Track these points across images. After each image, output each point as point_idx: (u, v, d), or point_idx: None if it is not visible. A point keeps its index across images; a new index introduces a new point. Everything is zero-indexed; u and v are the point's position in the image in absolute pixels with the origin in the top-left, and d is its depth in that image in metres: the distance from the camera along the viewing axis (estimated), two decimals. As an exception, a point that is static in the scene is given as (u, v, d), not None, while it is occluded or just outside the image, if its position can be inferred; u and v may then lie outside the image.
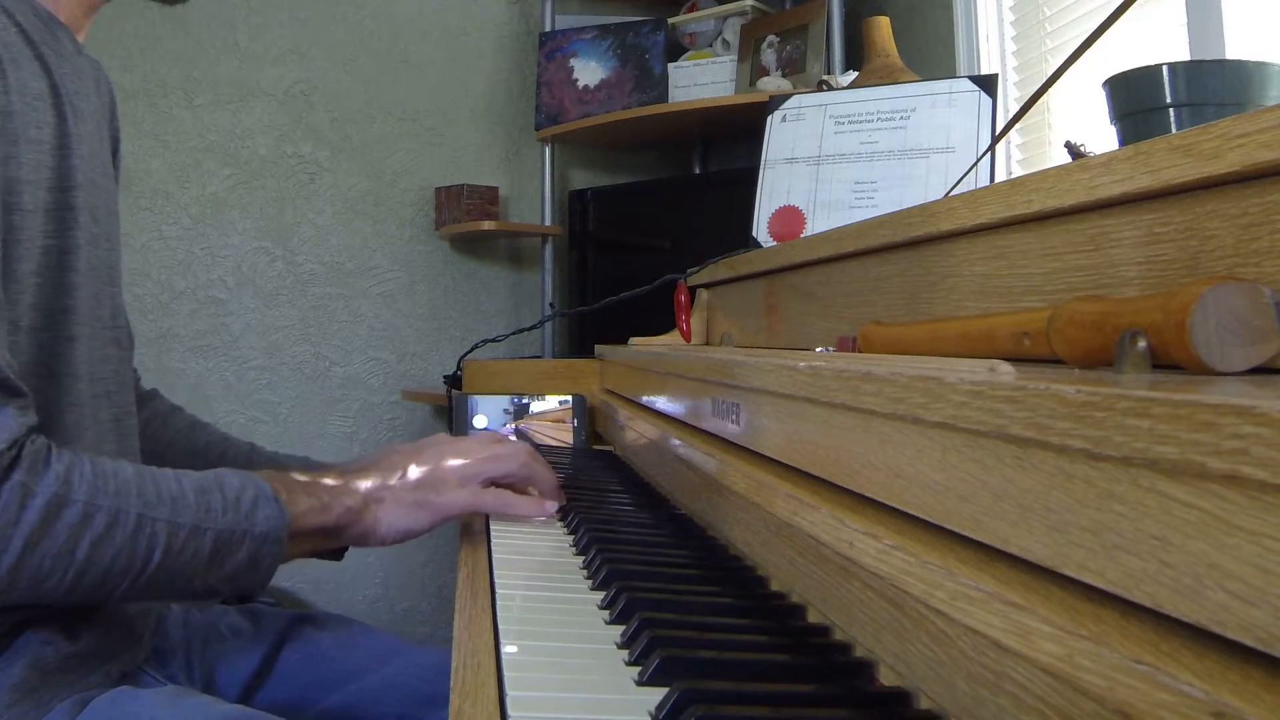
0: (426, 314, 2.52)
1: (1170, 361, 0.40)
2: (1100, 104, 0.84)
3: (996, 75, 1.31)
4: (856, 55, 1.92)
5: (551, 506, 0.84)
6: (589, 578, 0.65)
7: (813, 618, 0.54)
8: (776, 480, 0.59)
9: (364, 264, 2.48)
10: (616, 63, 2.36)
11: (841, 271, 0.86)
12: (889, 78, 1.30)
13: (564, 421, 1.29)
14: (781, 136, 1.27)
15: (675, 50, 2.36)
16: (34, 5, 0.78)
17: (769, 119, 1.29)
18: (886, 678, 0.45)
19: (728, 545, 0.70)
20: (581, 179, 2.61)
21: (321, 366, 2.45)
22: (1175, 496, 0.27)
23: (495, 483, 0.83)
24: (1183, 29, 1.28)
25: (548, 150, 2.45)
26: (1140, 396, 0.28)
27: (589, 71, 2.38)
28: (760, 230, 1.24)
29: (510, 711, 0.43)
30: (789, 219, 1.22)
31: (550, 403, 1.29)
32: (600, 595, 0.60)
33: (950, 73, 1.78)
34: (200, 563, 0.68)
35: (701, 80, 2.26)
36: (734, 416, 0.71)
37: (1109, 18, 0.64)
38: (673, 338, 1.35)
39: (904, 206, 0.73)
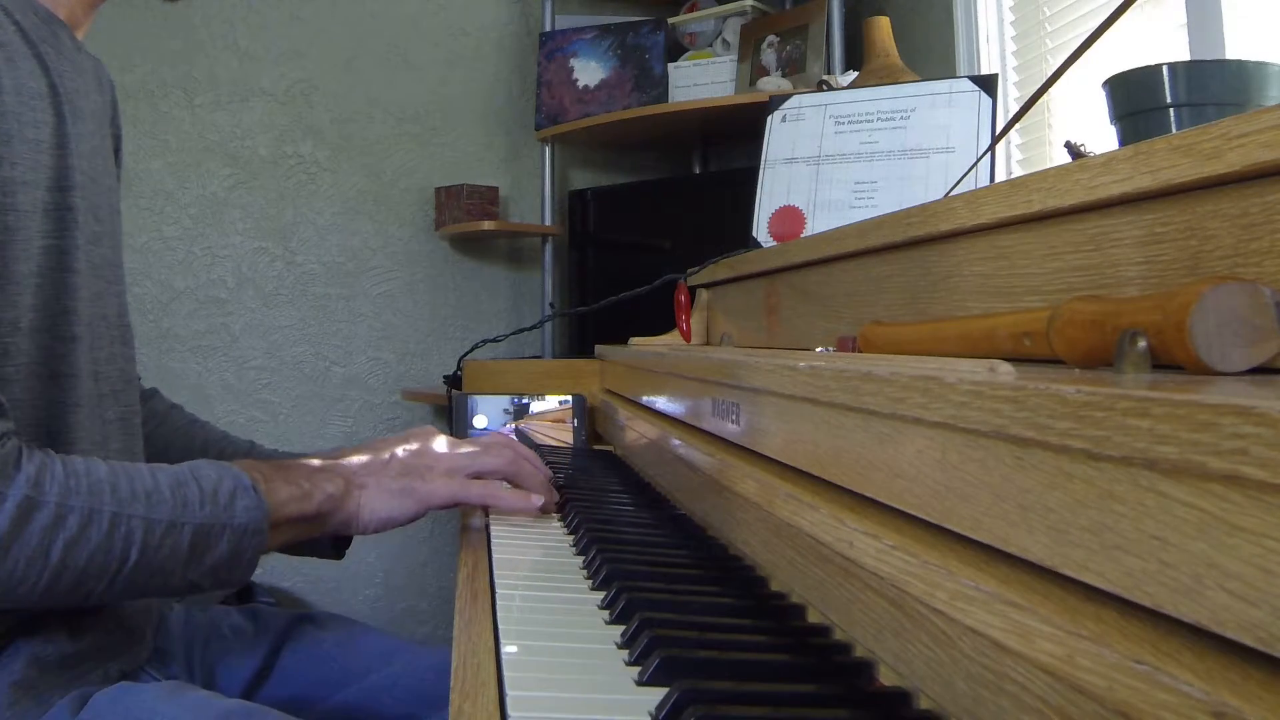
0: (426, 314, 2.52)
1: (1170, 361, 0.40)
2: (1100, 104, 0.84)
3: (996, 75, 1.31)
4: (856, 55, 1.92)
5: (538, 501, 0.83)
6: (589, 578, 0.65)
7: (813, 618, 0.54)
8: (776, 480, 0.59)
9: (364, 264, 2.48)
10: (616, 63, 2.36)
11: (841, 271, 0.86)
12: (889, 78, 1.30)
13: (564, 421, 1.29)
14: (781, 136, 1.27)
15: (675, 50, 2.36)
16: (33, 3, 0.77)
17: (769, 119, 1.29)
18: (886, 678, 0.45)
19: (728, 545, 0.70)
20: (581, 179, 2.61)
21: (321, 366, 2.45)
22: (1175, 496, 0.27)
23: (481, 477, 0.83)
24: (1183, 29, 1.28)
25: (548, 150, 2.45)
26: (1140, 396, 0.28)
27: (589, 71, 2.38)
28: (760, 230, 1.24)
29: (510, 711, 0.43)
30: (789, 219, 1.22)
31: (550, 403, 1.29)
32: (600, 595, 0.60)
33: (950, 73, 1.79)
34: (179, 558, 0.67)
35: (701, 80, 2.26)
36: (734, 416, 0.71)
37: (1109, 18, 0.64)
38: (673, 338, 1.35)
39: (904, 206, 0.73)
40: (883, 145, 1.19)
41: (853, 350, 0.75)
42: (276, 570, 2.37)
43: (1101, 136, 0.85)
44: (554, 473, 0.94)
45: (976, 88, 1.15)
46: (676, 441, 0.85)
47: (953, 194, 0.70)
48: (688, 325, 1.31)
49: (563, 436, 1.29)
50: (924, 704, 0.41)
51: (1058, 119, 1.60)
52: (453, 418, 1.30)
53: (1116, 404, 0.29)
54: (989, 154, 1.08)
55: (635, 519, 0.83)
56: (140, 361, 1.05)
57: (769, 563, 0.61)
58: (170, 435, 1.01)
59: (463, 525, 0.85)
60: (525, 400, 1.29)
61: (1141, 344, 0.40)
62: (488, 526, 0.81)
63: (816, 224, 1.20)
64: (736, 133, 2.37)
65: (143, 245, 2.34)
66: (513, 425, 1.28)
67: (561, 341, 2.50)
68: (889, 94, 1.21)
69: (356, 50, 2.47)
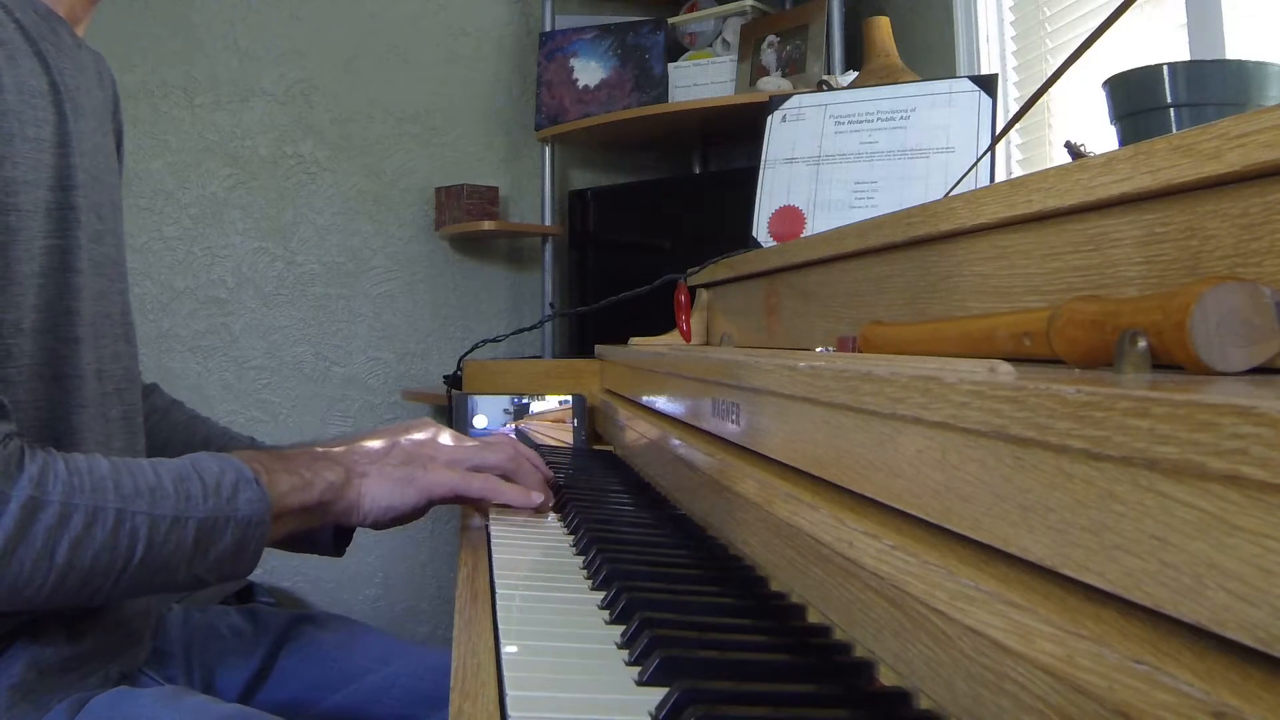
0: (426, 314, 2.52)
1: (1170, 361, 0.40)
2: (1100, 104, 0.84)
3: (996, 75, 1.31)
4: (856, 55, 1.92)
5: (538, 498, 0.83)
6: (589, 578, 0.65)
7: (813, 618, 0.54)
8: (776, 480, 0.59)
9: (364, 264, 2.48)
10: (616, 63, 2.36)
11: (841, 271, 0.86)
12: (889, 78, 1.30)
13: (564, 421, 1.29)
14: (781, 136, 1.27)
15: (675, 50, 2.36)
16: (33, 1, 0.77)
17: (769, 119, 1.29)
18: (886, 678, 0.45)
19: (728, 545, 0.70)
20: (581, 179, 2.61)
21: (321, 366, 2.45)
22: (1175, 496, 0.27)
23: (481, 472, 0.83)
24: (1183, 29, 1.28)
25: (548, 150, 2.45)
26: (1140, 396, 0.28)
27: (589, 71, 2.38)
28: (760, 230, 1.24)
29: (510, 711, 0.43)
30: (789, 219, 1.22)
31: (550, 403, 1.29)
32: (600, 595, 0.60)
33: (950, 73, 1.79)
34: (184, 553, 0.66)
35: (701, 80, 2.26)
36: (734, 417, 0.71)
37: (1109, 18, 0.64)
38: (673, 338, 1.35)
39: (904, 206, 0.73)
40: (883, 145, 1.19)
41: (853, 350, 0.75)
42: (276, 570, 2.37)
43: (1101, 136, 0.85)
44: (554, 473, 0.94)
45: (976, 88, 1.15)
46: (676, 441, 0.85)
47: (953, 194, 0.70)
48: (688, 325, 1.31)
49: (563, 436, 1.29)
50: (924, 704, 0.41)
51: (1058, 119, 1.60)
52: (453, 418, 1.30)
53: (1116, 404, 0.29)
54: (989, 154, 1.08)
55: (635, 519, 0.83)
56: (140, 361, 1.05)
57: (769, 563, 0.61)
58: (171, 431, 1.01)
59: (463, 525, 0.85)
60: (525, 400, 1.29)
61: (1141, 344, 0.40)
62: (488, 526, 0.81)
63: (816, 224, 1.20)
64: (736, 133, 2.37)
65: (143, 245, 2.34)
66: (513, 425, 1.28)
67: (561, 341, 2.50)
68: (889, 94, 1.21)
69: (356, 50, 2.47)
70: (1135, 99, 0.79)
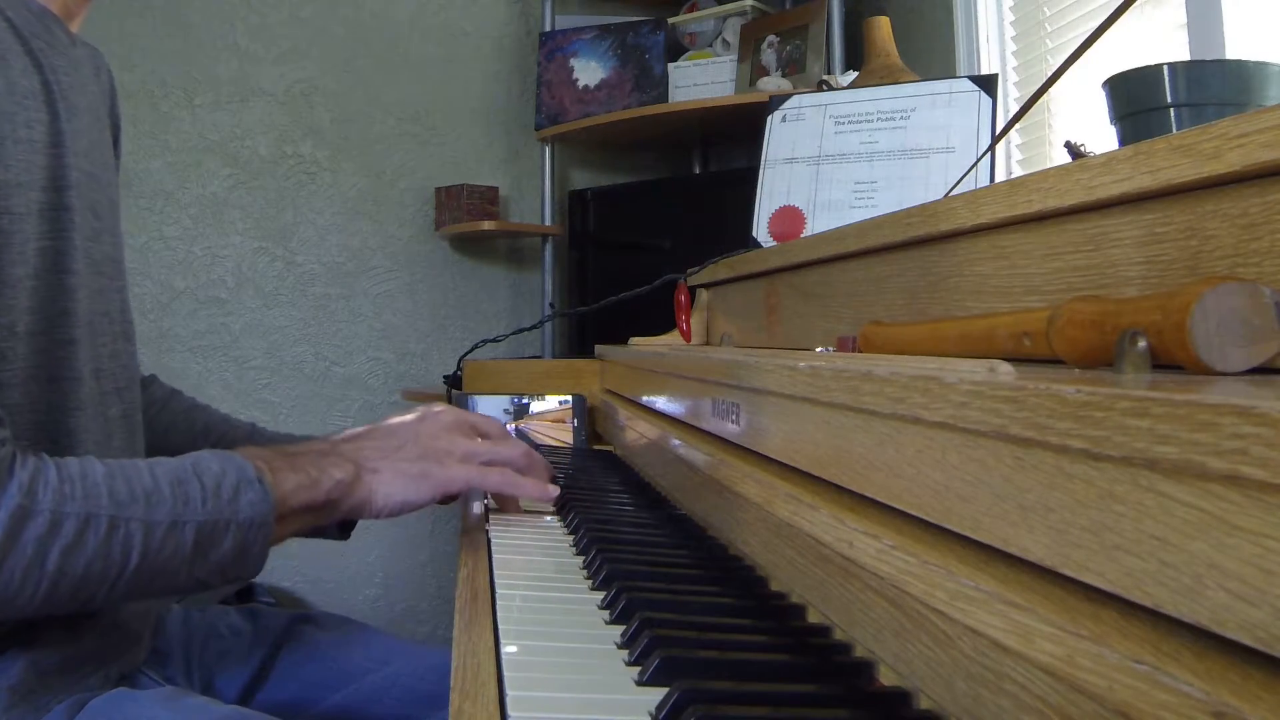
0: (426, 314, 2.52)
1: (1170, 361, 0.40)
2: (1100, 104, 0.84)
3: (996, 75, 1.31)
4: (856, 55, 1.92)
5: (554, 490, 0.84)
6: (589, 578, 0.65)
7: (813, 618, 0.54)
8: (777, 480, 0.59)
9: (364, 264, 2.48)
10: (616, 63, 2.36)
11: (841, 271, 0.86)
12: (889, 78, 1.30)
13: (564, 421, 1.29)
14: (781, 136, 1.27)
15: (675, 50, 2.36)
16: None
17: (769, 119, 1.29)
18: (886, 678, 0.45)
19: (728, 545, 0.70)
20: (581, 179, 2.61)
21: (321, 366, 2.45)
22: (1175, 496, 0.27)
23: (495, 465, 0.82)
24: (1183, 29, 1.28)
25: (548, 150, 2.45)
26: (1140, 396, 0.28)
27: (589, 71, 2.38)
28: (760, 230, 1.24)
29: (510, 711, 0.43)
30: (789, 219, 1.22)
31: (550, 403, 1.29)
32: (600, 595, 0.60)
33: (950, 73, 1.79)
34: (183, 558, 0.65)
35: (701, 80, 2.26)
36: (734, 416, 0.71)
37: (1109, 18, 0.64)
38: (673, 338, 1.35)
39: (904, 206, 0.73)
40: (883, 145, 1.19)
41: (853, 350, 0.75)
42: (276, 570, 2.37)
43: (1101, 136, 0.85)
44: (555, 472, 0.94)
45: (976, 88, 1.15)
46: (676, 441, 0.85)
47: (953, 194, 0.70)
48: (688, 325, 1.31)
49: (563, 436, 1.29)
50: (924, 704, 0.41)
51: (1058, 119, 1.60)
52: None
53: (1116, 404, 0.29)
54: (989, 154, 1.08)
55: (635, 519, 0.83)
56: (140, 361, 1.06)
57: (769, 563, 0.61)
58: (171, 420, 1.01)
59: (463, 525, 0.85)
60: (525, 400, 1.29)
61: (1141, 344, 0.40)
62: (488, 527, 0.81)
63: (816, 224, 1.20)
64: (736, 133, 2.37)
65: (143, 245, 2.34)
66: (513, 425, 1.28)
67: (561, 341, 2.50)
68: (889, 94, 1.21)
69: (356, 50, 2.47)
70: (1135, 99, 0.79)
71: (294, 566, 2.38)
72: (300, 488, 0.71)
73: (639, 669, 0.47)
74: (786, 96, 1.29)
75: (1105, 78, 0.82)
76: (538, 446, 1.24)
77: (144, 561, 0.63)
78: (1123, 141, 0.81)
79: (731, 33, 2.29)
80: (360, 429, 0.82)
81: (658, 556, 0.69)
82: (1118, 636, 0.30)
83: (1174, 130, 0.67)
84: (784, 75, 2.13)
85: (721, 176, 2.42)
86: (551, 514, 0.86)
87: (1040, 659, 0.32)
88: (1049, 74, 0.75)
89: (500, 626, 0.55)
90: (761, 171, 1.27)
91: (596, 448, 1.29)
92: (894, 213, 0.74)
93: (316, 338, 2.45)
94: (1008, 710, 0.34)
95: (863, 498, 0.49)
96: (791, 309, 0.99)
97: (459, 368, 1.42)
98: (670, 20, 2.35)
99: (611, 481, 1.00)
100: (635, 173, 2.64)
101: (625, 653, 0.50)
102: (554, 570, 0.68)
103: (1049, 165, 0.92)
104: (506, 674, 0.47)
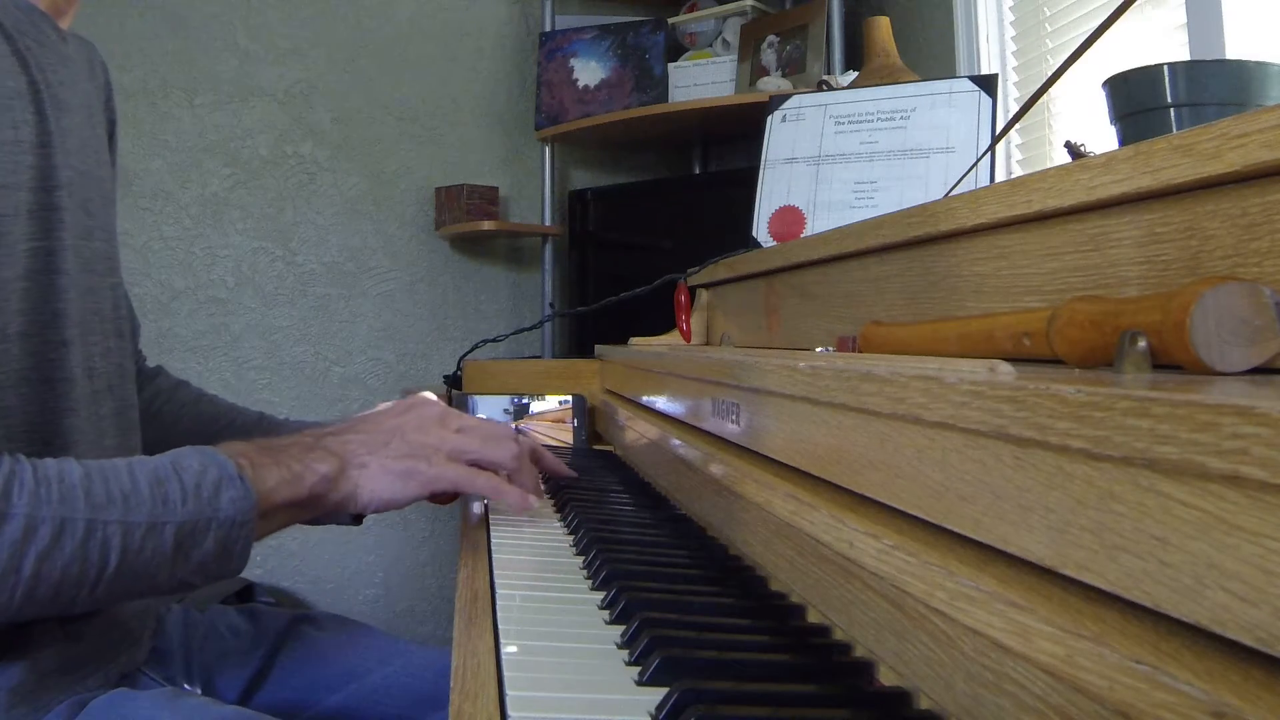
0: (426, 314, 2.52)
1: (1170, 361, 0.40)
2: (1100, 104, 0.84)
3: (996, 75, 1.31)
4: (856, 55, 1.92)
5: (534, 502, 0.81)
6: (589, 578, 0.65)
7: (813, 618, 0.54)
8: (777, 480, 0.59)
9: (364, 264, 2.48)
10: (616, 63, 2.36)
11: (841, 271, 0.86)
12: (889, 78, 1.30)
13: (564, 421, 1.29)
14: (781, 136, 1.27)
15: (675, 50, 2.36)
16: None
17: (769, 119, 1.29)
18: (886, 678, 0.45)
19: (728, 545, 0.70)
20: (581, 179, 2.61)
21: (321, 366, 2.45)
22: (1175, 496, 0.27)
23: (481, 466, 0.80)
24: (1183, 29, 1.28)
25: (548, 150, 2.45)
26: (1140, 396, 0.28)
27: (589, 71, 2.38)
28: (760, 230, 1.24)
29: (510, 711, 0.43)
30: (789, 219, 1.22)
31: (550, 403, 1.29)
32: (600, 595, 0.60)
33: (950, 73, 1.79)
34: (164, 559, 0.64)
35: (701, 80, 2.26)
36: (734, 417, 0.71)
37: (1109, 18, 0.64)
38: (673, 338, 1.35)
39: (904, 206, 0.73)
40: (883, 145, 1.19)
41: (853, 350, 0.75)
42: (277, 570, 2.37)
43: (1101, 136, 0.85)
44: (563, 468, 0.95)
45: (976, 88, 1.15)
46: (676, 441, 0.85)
47: (953, 194, 0.70)
48: (688, 325, 1.31)
49: (563, 436, 1.29)
50: (924, 704, 0.41)
51: (1058, 119, 1.60)
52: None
53: (1116, 404, 0.29)
54: (989, 154, 1.08)
55: (635, 519, 0.83)
56: (144, 355, 1.06)
57: (769, 563, 0.61)
58: (178, 412, 1.01)
59: (463, 525, 0.85)
60: (525, 400, 1.29)
61: (1141, 344, 0.40)
62: (488, 527, 0.81)
63: (816, 224, 1.20)
64: (736, 133, 2.37)
65: (143, 245, 2.34)
66: (513, 425, 1.28)
67: (561, 341, 2.50)
68: (889, 94, 1.21)
69: (356, 50, 2.47)
70: (1135, 99, 0.79)
71: (294, 566, 2.38)
72: (283, 483, 0.70)
73: (639, 669, 0.47)
74: (786, 96, 1.29)
75: (1105, 78, 0.82)
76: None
77: (123, 564, 0.62)
78: (1123, 141, 0.81)
79: (731, 33, 2.29)
80: (346, 422, 0.80)
81: (658, 556, 0.69)
82: (1118, 636, 0.30)
83: (1174, 130, 0.67)
84: (784, 75, 2.13)
85: (721, 176, 2.42)
86: (551, 514, 0.86)
87: (1040, 659, 0.32)
88: (1049, 74, 0.75)
89: (500, 626, 0.55)
90: (761, 171, 1.27)
91: (596, 448, 1.29)
92: (894, 213, 0.74)
93: (316, 338, 2.45)
94: (1008, 710, 0.34)
95: (863, 498, 0.49)
96: (791, 309, 0.99)
97: (459, 368, 1.42)
98: (670, 20, 2.35)
99: (611, 481, 1.00)
100: (635, 173, 2.64)
101: (625, 653, 0.50)
102: (554, 570, 0.68)
103: (1049, 165, 0.92)
104: (506, 674, 0.47)
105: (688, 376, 0.88)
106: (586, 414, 1.30)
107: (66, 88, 0.78)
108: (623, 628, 0.53)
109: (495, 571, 0.66)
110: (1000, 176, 1.43)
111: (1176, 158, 0.45)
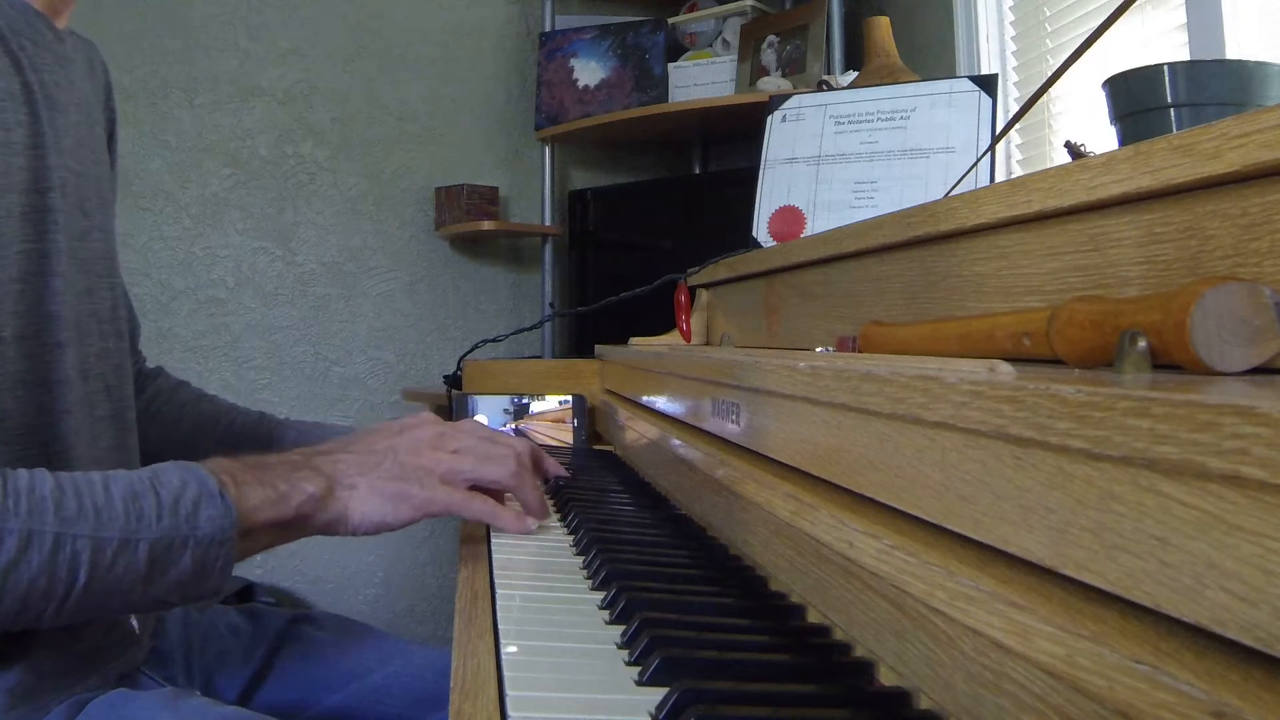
0: (426, 314, 2.52)
1: (1170, 361, 0.40)
2: (1100, 104, 0.84)
3: (996, 75, 1.31)
4: (856, 55, 1.92)
5: (532, 524, 0.78)
6: (589, 578, 0.65)
7: (813, 618, 0.54)
8: (777, 480, 0.59)
9: (364, 264, 2.48)
10: (616, 63, 2.36)
11: (841, 271, 0.86)
12: (889, 78, 1.30)
13: (564, 421, 1.29)
14: (781, 136, 1.27)
15: (675, 50, 2.36)
16: None
17: (769, 119, 1.29)
18: (886, 678, 0.45)
19: (728, 545, 0.70)
20: (581, 179, 2.61)
21: (321, 366, 2.45)
22: (1175, 496, 0.27)
23: (479, 487, 0.77)
24: (1183, 29, 1.28)
25: (548, 150, 2.45)
26: (1140, 396, 0.28)
27: (589, 71, 2.38)
28: (760, 230, 1.24)
29: (510, 711, 0.43)
30: (789, 219, 1.22)
31: (550, 403, 1.29)
32: (600, 595, 0.60)
33: (950, 73, 1.79)
34: (136, 576, 0.61)
35: (701, 80, 2.26)
36: (734, 416, 0.71)
37: (1109, 18, 0.64)
38: (673, 338, 1.35)
39: (904, 206, 0.73)
40: (883, 145, 1.19)
41: (853, 350, 0.75)
42: (276, 570, 2.37)
43: (1101, 136, 0.85)
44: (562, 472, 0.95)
45: (976, 88, 1.15)
46: (676, 441, 0.85)
47: (953, 194, 0.70)
48: (688, 325, 1.31)
49: (563, 436, 1.29)
50: (924, 704, 0.41)
51: (1058, 119, 1.60)
52: (453, 418, 1.30)
53: (1116, 404, 0.29)
54: (989, 154, 1.08)
55: (635, 519, 0.83)
56: (144, 355, 1.06)
57: (769, 563, 0.61)
58: (179, 410, 1.01)
59: (463, 526, 0.85)
60: (525, 400, 1.29)
61: (1141, 344, 0.40)
62: (488, 527, 0.81)
63: (816, 224, 1.20)
64: (736, 133, 2.37)
65: (143, 245, 2.34)
66: (513, 425, 1.28)
67: (561, 341, 2.50)
68: (889, 94, 1.21)
69: (356, 50, 2.47)
70: (1135, 99, 0.79)
71: (294, 566, 2.38)
72: (267, 502, 0.68)
73: (639, 669, 0.47)
74: (786, 96, 1.29)
75: (1105, 78, 0.82)
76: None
77: (93, 579, 0.60)
78: (1123, 141, 0.81)
79: (731, 33, 2.29)
80: (339, 441, 0.78)
81: (658, 556, 0.69)
82: (1118, 636, 0.30)
83: (1174, 130, 0.67)
84: (784, 75, 2.13)
85: (721, 176, 2.42)
86: (551, 514, 0.86)
87: (1040, 659, 0.32)
88: (1049, 74, 0.75)
89: (500, 627, 0.55)
90: (761, 171, 1.27)
91: (596, 448, 1.29)
92: (894, 213, 0.74)
93: (316, 338, 2.45)
94: (1008, 710, 0.34)
95: (863, 498, 0.49)
96: (791, 309, 0.99)
97: (459, 368, 1.42)
98: (670, 20, 2.35)
99: (611, 481, 1.00)
100: (635, 173, 2.64)
101: (625, 653, 0.50)
102: (554, 570, 0.68)
103: (1049, 165, 0.92)
104: (506, 674, 0.47)
105: (688, 376, 0.88)
106: (586, 414, 1.30)
107: (62, 88, 0.77)
108: (623, 628, 0.53)
109: (495, 571, 0.66)
110: (1000, 176, 1.43)
111: (1176, 158, 0.45)
